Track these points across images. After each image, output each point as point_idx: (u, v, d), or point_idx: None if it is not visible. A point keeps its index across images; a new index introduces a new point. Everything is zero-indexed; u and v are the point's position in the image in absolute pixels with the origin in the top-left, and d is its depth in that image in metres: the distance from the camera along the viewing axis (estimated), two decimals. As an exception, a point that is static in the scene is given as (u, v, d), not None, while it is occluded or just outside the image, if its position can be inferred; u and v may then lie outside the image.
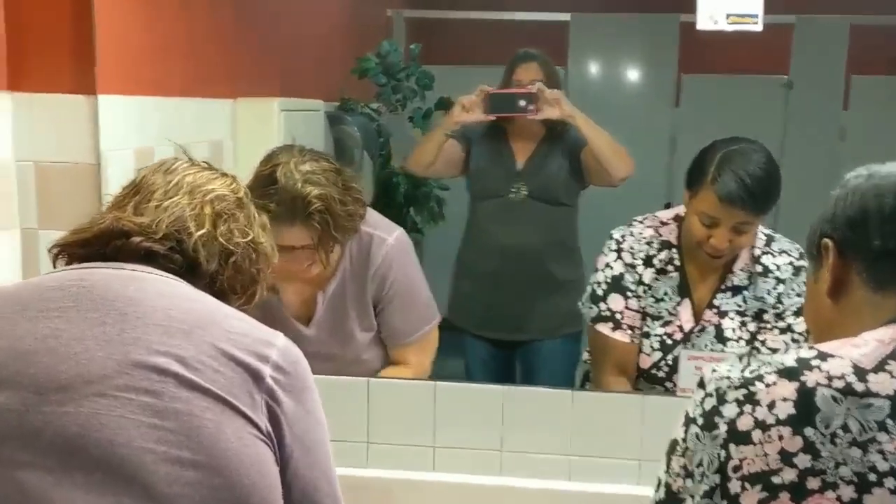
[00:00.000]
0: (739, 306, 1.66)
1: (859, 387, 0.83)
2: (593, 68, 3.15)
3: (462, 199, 2.73)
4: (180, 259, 1.00)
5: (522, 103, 2.02)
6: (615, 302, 1.70)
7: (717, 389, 0.89)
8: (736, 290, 1.66)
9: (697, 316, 1.68)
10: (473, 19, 3.08)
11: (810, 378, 0.84)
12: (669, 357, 1.67)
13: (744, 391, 0.86)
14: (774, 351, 1.59)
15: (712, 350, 1.65)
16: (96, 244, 0.99)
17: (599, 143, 2.02)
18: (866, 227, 0.92)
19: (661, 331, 1.69)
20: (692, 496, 0.89)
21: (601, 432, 1.53)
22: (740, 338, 1.66)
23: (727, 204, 1.54)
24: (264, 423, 0.92)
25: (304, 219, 1.51)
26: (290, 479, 0.95)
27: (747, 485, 0.84)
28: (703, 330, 1.67)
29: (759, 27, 1.46)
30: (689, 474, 0.89)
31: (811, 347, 0.88)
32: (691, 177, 1.60)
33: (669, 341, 1.68)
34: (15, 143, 1.51)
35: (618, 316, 1.70)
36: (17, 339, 0.89)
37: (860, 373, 0.83)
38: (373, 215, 1.67)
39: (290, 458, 0.94)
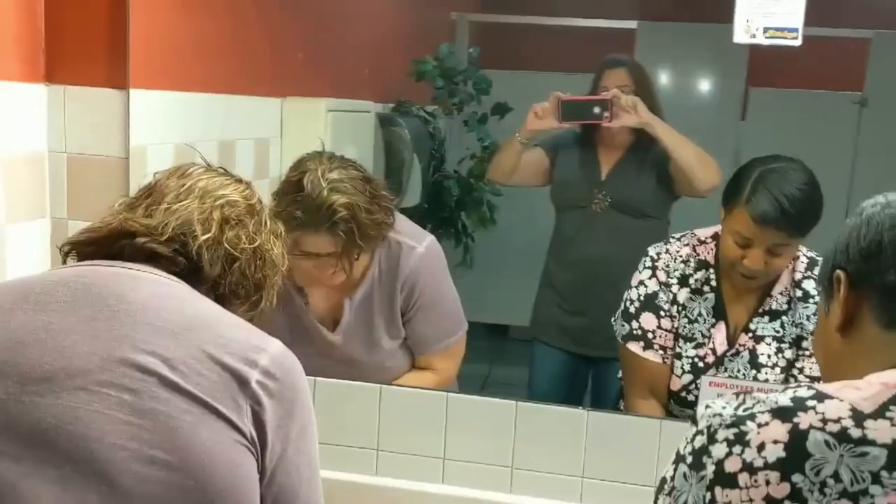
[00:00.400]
0: (777, 332, 1.61)
1: (855, 433, 0.78)
2: (659, 77, 3.07)
3: (514, 204, 2.71)
4: (184, 262, 1.01)
5: (597, 110, 1.95)
6: (647, 321, 1.67)
7: (707, 427, 0.85)
8: (774, 315, 1.61)
9: (732, 340, 1.64)
10: (538, 24, 3.04)
11: (804, 420, 0.80)
12: (700, 381, 1.62)
13: (734, 430, 0.83)
14: (814, 380, 1.52)
15: (744, 375, 1.60)
16: (104, 243, 1.02)
17: (681, 151, 1.93)
18: (880, 260, 0.88)
19: (693, 353, 1.65)
20: None
21: (616, 454, 1.49)
22: (776, 364, 1.60)
23: (761, 224, 1.50)
24: (249, 428, 0.92)
25: (329, 227, 1.52)
26: (270, 485, 0.95)
27: None
28: (736, 354, 1.62)
29: (797, 42, 1.40)
30: None
31: (810, 387, 0.84)
32: (727, 194, 1.56)
33: (701, 364, 1.63)
34: (49, 134, 1.56)
35: (649, 335, 1.66)
36: (10, 330, 0.91)
37: (858, 417, 0.79)
38: (403, 223, 1.67)
39: (272, 465, 0.94)
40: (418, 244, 1.66)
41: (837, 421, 0.79)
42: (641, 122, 1.95)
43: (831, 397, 0.81)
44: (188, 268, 1.02)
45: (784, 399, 0.82)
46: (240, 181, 1.12)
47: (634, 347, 1.67)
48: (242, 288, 1.06)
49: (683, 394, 1.65)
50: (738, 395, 0.86)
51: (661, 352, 1.66)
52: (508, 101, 2.71)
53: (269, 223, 1.11)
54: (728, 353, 1.62)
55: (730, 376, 1.60)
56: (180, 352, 0.91)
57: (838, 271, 0.91)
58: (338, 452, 1.56)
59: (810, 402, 0.81)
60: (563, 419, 1.53)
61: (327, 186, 1.51)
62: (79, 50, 1.53)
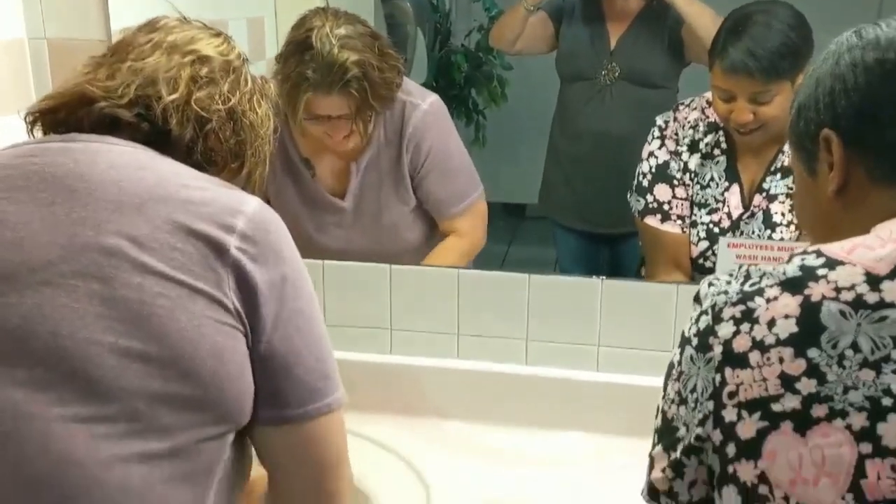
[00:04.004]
0: (790, 188, 1.63)
1: (872, 298, 0.74)
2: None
3: (526, 79, 2.63)
4: (148, 127, 0.94)
5: None
6: (662, 192, 1.69)
7: (712, 306, 0.81)
8: (786, 172, 1.62)
9: (747, 202, 1.66)
10: None
11: (816, 290, 0.75)
12: (717, 246, 1.65)
13: (741, 308, 0.79)
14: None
15: (759, 237, 1.63)
16: (63, 111, 0.95)
17: (699, 20, 1.86)
18: (878, 115, 0.82)
19: (707, 219, 1.67)
20: (686, 425, 0.83)
21: (632, 322, 1.53)
22: (790, 222, 1.63)
23: (732, 74, 1.54)
24: (232, 300, 0.87)
25: (342, 87, 1.52)
26: (265, 354, 0.90)
27: (744, 413, 0.76)
28: (752, 216, 1.65)
29: None
30: (682, 401, 0.83)
31: (819, 253, 0.79)
32: (709, 52, 1.59)
33: (717, 230, 1.67)
34: (27, 21, 1.55)
35: (665, 207, 1.69)
36: None
37: (873, 281, 0.74)
38: (406, 82, 1.67)
39: (265, 334, 0.90)
40: (421, 101, 1.67)
41: (851, 288, 0.75)
42: None
43: (843, 262, 0.77)
44: (154, 133, 0.94)
45: (792, 269, 0.78)
46: (217, 35, 1.03)
47: (652, 221, 1.70)
48: (218, 154, 0.98)
49: (701, 261, 1.68)
50: (743, 268, 0.83)
51: (679, 222, 1.69)
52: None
53: (250, 82, 1.03)
54: (744, 216, 1.65)
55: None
56: (147, 227, 0.85)
57: (827, 131, 0.85)
58: (352, 333, 1.61)
59: (821, 271, 0.77)
60: (577, 289, 1.56)
61: (338, 43, 1.50)
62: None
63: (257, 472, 1.01)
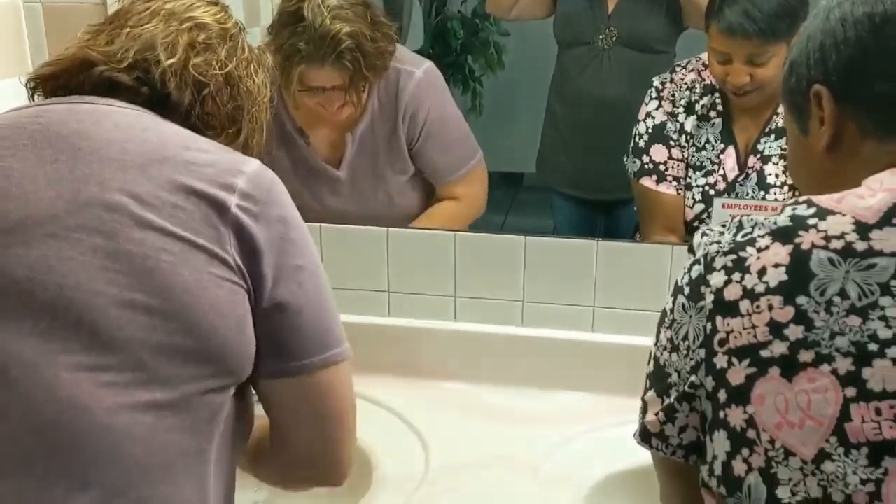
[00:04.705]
0: (784, 149, 1.65)
1: (860, 246, 0.76)
2: None
3: (523, 46, 2.63)
4: (147, 91, 0.97)
5: None
6: (658, 153, 1.71)
7: (705, 255, 0.84)
8: (780, 133, 1.64)
9: (742, 164, 1.68)
10: None
11: (806, 239, 0.78)
12: (711, 209, 1.68)
13: (733, 257, 0.81)
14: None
15: (753, 198, 1.65)
16: (64, 76, 0.98)
17: None
18: (867, 70, 0.83)
19: (703, 181, 1.69)
20: (678, 371, 0.86)
21: (627, 283, 1.56)
22: (784, 183, 1.65)
23: (729, 36, 1.55)
24: (233, 256, 0.90)
25: (335, 58, 1.53)
26: (269, 309, 0.93)
27: (734, 359, 0.79)
28: (747, 177, 1.67)
29: None
30: (675, 348, 0.86)
31: (810, 203, 0.81)
32: (706, 14, 1.61)
33: (712, 192, 1.69)
34: None
35: (661, 167, 1.71)
36: None
37: (862, 229, 0.76)
38: (400, 50, 1.68)
39: (267, 289, 0.92)
40: (416, 69, 1.68)
41: (841, 237, 0.77)
42: None
43: (833, 212, 0.79)
44: (154, 97, 0.97)
45: (783, 219, 0.80)
46: (214, 3, 1.06)
47: (648, 182, 1.72)
48: (215, 119, 1.01)
49: (696, 223, 1.70)
50: (736, 218, 0.85)
51: (674, 183, 1.70)
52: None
53: (247, 50, 1.06)
54: (739, 178, 1.67)
55: (741, 199, 1.67)
56: (150, 185, 0.88)
57: (818, 86, 0.86)
58: (351, 296, 1.65)
59: (811, 220, 0.79)
60: (572, 251, 1.60)
61: (329, 14, 1.51)
62: None
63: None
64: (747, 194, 1.65)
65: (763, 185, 1.64)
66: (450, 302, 1.64)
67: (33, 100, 1.01)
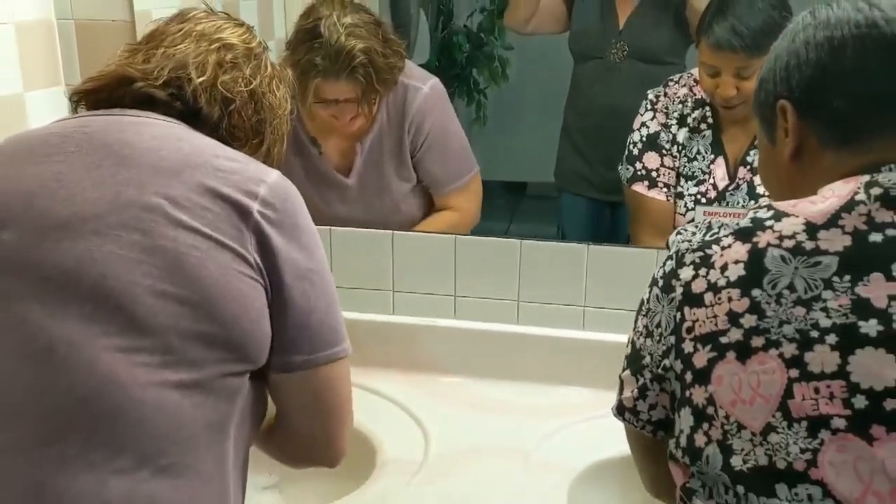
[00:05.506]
0: None
1: (809, 245, 0.84)
2: None
3: (526, 59, 2.71)
4: (180, 105, 1.07)
5: None
6: (651, 160, 1.78)
7: (677, 252, 0.93)
8: None
9: (732, 174, 1.75)
10: None
11: (762, 238, 0.86)
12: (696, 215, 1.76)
13: (700, 254, 0.90)
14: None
15: (744, 207, 1.71)
16: (104, 91, 1.08)
17: (701, 1, 1.90)
18: (825, 88, 0.92)
19: (694, 190, 1.76)
20: (650, 354, 0.95)
21: (616, 284, 1.63)
22: None
23: (717, 50, 1.62)
24: (254, 257, 0.99)
25: (349, 73, 1.62)
26: (282, 307, 1.02)
27: (699, 345, 0.87)
28: (737, 188, 1.74)
29: None
30: (649, 334, 0.95)
31: (770, 207, 0.90)
32: (696, 28, 1.69)
33: (703, 200, 1.76)
34: (56, 3, 1.67)
35: (653, 174, 1.78)
36: (22, 182, 0.98)
37: (811, 230, 0.84)
38: (409, 66, 1.78)
39: (282, 289, 1.01)
40: (423, 84, 1.78)
41: (793, 237, 0.84)
42: None
43: (788, 214, 0.87)
44: (186, 111, 1.07)
45: (745, 221, 0.89)
46: (240, 25, 1.16)
47: (639, 188, 1.79)
48: (241, 131, 1.10)
49: None
50: (707, 221, 0.94)
51: (664, 189, 1.78)
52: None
53: (269, 68, 1.15)
54: (729, 188, 1.74)
55: (730, 209, 1.73)
56: (182, 189, 0.97)
57: (783, 101, 0.95)
58: (357, 295, 1.73)
59: (768, 222, 0.87)
60: (564, 254, 1.68)
61: (344, 32, 1.60)
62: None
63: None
64: (738, 203, 1.71)
65: (753, 195, 1.71)
66: (450, 301, 1.72)
67: (76, 111, 1.11)
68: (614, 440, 1.13)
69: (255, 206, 0.99)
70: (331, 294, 1.07)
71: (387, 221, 1.79)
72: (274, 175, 1.04)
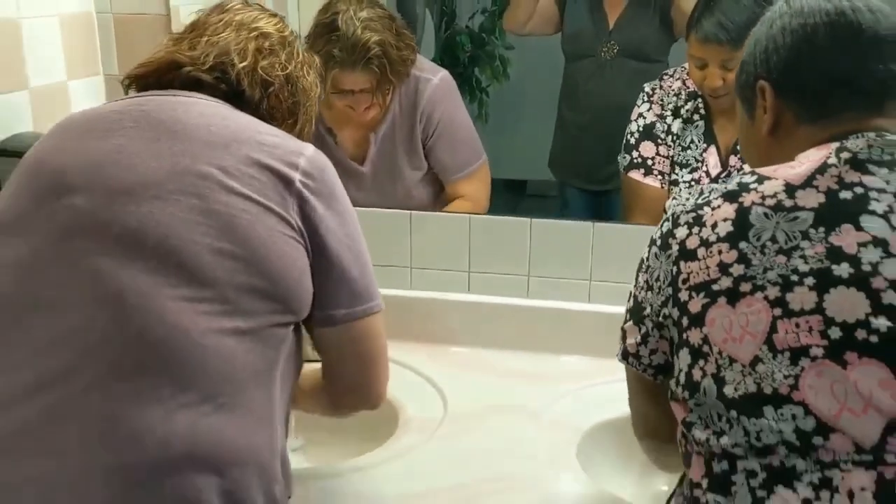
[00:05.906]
0: None
1: (788, 203, 0.94)
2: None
3: (526, 58, 2.80)
4: (225, 87, 1.17)
5: None
6: (646, 148, 1.88)
7: (673, 214, 1.03)
8: None
9: (724, 162, 1.84)
10: None
11: (747, 199, 0.96)
12: None
13: (693, 214, 1.00)
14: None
15: None
16: (155, 74, 1.18)
17: (686, 1, 2.00)
18: (800, 69, 1.02)
19: (688, 177, 1.86)
20: (651, 305, 1.05)
21: (619, 260, 1.70)
22: None
23: (704, 43, 1.72)
24: (296, 220, 1.09)
25: (364, 64, 1.72)
26: (322, 266, 1.12)
27: (693, 293, 0.97)
28: (728, 175, 1.83)
29: None
30: (649, 287, 1.05)
31: (753, 173, 1.00)
32: (686, 25, 1.79)
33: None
34: None
35: (649, 162, 1.88)
36: (87, 154, 1.06)
37: (790, 190, 0.95)
38: (420, 59, 1.88)
39: (324, 249, 1.11)
40: (433, 76, 1.88)
41: (774, 196, 0.95)
42: None
43: (769, 178, 0.97)
44: (230, 92, 1.17)
45: (732, 185, 0.99)
46: (273, 15, 1.26)
47: (636, 175, 1.90)
48: (278, 111, 1.21)
49: None
50: (699, 188, 1.04)
51: (659, 177, 1.88)
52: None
53: (301, 54, 1.25)
54: (721, 175, 1.84)
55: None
56: (232, 160, 1.06)
57: (762, 82, 1.05)
58: (378, 271, 1.76)
59: (752, 185, 0.97)
60: (571, 232, 1.78)
61: (360, 25, 1.71)
62: None
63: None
64: (729, 189, 1.82)
65: (744, 182, 1.82)
66: (464, 276, 1.81)
67: (127, 93, 1.20)
68: (618, 402, 1.24)
69: (296, 176, 1.09)
70: (364, 255, 1.18)
71: (399, 207, 1.87)
72: (311, 149, 1.14)
